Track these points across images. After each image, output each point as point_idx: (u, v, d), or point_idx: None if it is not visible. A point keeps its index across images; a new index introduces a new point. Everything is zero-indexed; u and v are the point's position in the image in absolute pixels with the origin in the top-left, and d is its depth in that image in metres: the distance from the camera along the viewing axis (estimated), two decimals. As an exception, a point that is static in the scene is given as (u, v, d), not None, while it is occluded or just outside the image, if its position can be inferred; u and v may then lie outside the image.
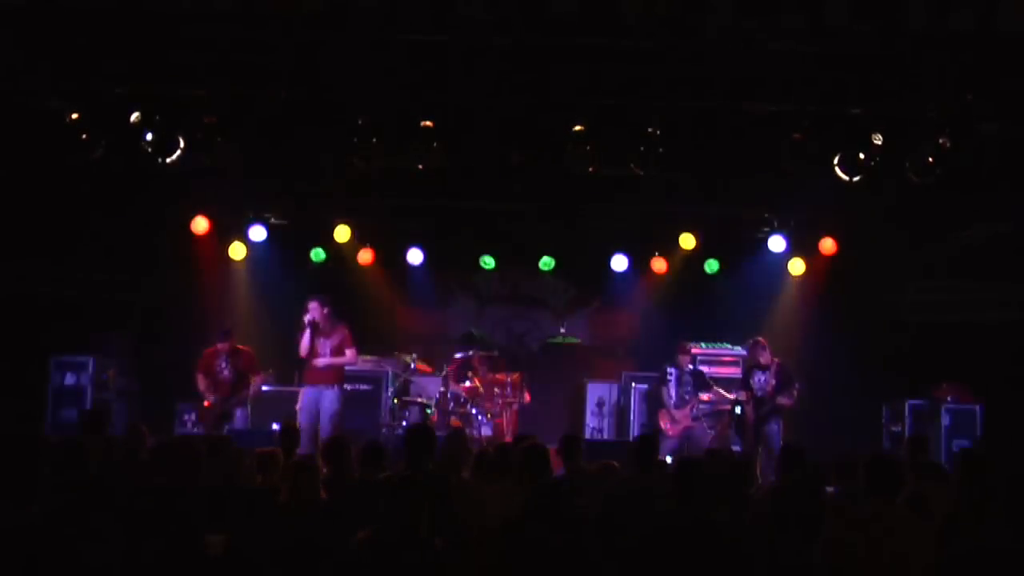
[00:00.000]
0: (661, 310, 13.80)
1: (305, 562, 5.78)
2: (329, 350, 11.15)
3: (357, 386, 12.52)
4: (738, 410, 11.59)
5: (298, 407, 11.08)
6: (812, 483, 6.22)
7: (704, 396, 12.13)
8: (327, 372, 11.20)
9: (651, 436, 8.25)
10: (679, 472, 5.66)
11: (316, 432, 10.83)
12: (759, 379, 11.54)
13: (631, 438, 12.09)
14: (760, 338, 11.88)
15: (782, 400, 11.34)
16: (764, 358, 11.58)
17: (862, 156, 9.75)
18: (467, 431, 11.62)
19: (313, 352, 11.12)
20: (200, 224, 13.07)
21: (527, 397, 12.75)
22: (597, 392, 13.29)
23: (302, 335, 11.15)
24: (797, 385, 11.36)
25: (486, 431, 12.10)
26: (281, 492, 6.27)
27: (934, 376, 12.20)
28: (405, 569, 4.92)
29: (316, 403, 11.04)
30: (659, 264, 13.78)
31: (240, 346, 11.30)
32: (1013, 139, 9.54)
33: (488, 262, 13.91)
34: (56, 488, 5.13)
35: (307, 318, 11.11)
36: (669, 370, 11.94)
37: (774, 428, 11.35)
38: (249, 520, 6.12)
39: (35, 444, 5.01)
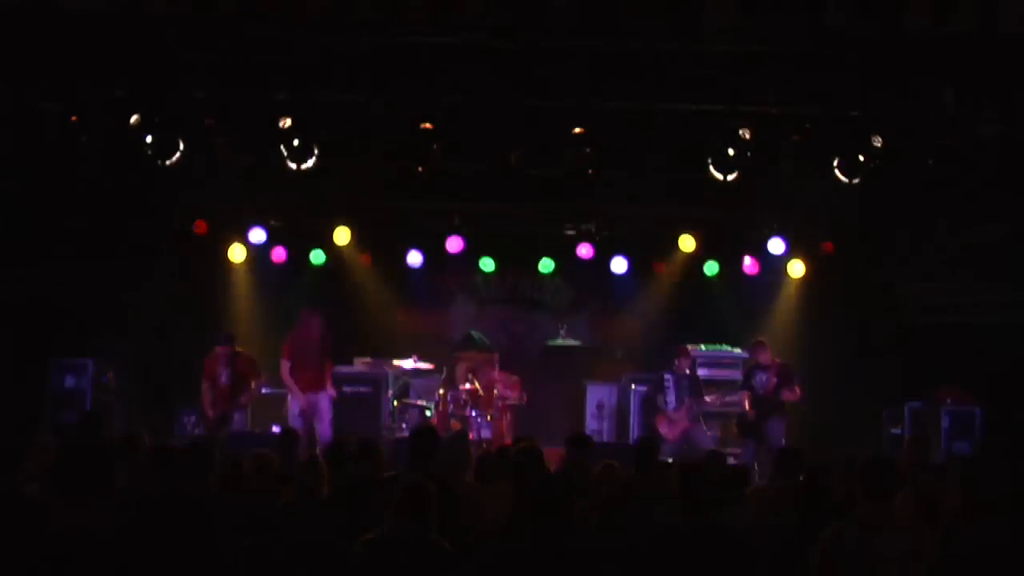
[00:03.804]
0: (661, 312, 13.79)
1: (310, 563, 5.78)
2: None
3: (357, 388, 12.51)
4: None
5: (294, 413, 11.07)
6: (818, 484, 6.21)
7: (702, 398, 12.11)
8: (322, 377, 11.26)
9: (652, 438, 8.27)
10: (683, 475, 5.65)
11: (312, 437, 10.85)
12: (760, 379, 11.56)
13: (631, 440, 12.11)
14: (761, 338, 11.91)
15: (786, 395, 11.35)
16: (765, 358, 11.63)
17: (862, 158, 9.76)
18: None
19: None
20: (200, 226, 13.08)
21: (526, 399, 12.74)
22: (597, 394, 13.29)
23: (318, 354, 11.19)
24: (797, 386, 11.39)
25: (486, 433, 12.08)
26: (286, 494, 6.28)
27: (934, 378, 12.19)
28: (411, 571, 4.91)
29: (313, 409, 11.10)
30: (659, 266, 13.81)
31: (240, 350, 11.31)
32: (1013, 141, 9.55)
33: (488, 264, 13.90)
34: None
35: (321, 334, 11.19)
36: (666, 376, 11.92)
37: (776, 427, 11.36)
38: (254, 522, 6.12)
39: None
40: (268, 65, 9.15)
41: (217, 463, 6.61)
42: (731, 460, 11.26)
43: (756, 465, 10.95)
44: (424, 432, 6.89)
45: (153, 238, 12.64)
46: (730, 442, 12.32)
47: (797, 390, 11.42)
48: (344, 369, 12.47)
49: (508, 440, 11.23)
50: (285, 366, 11.32)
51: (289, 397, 11.35)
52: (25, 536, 4.70)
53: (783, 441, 11.18)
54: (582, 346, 13.92)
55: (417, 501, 4.98)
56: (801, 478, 6.59)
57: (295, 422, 11.03)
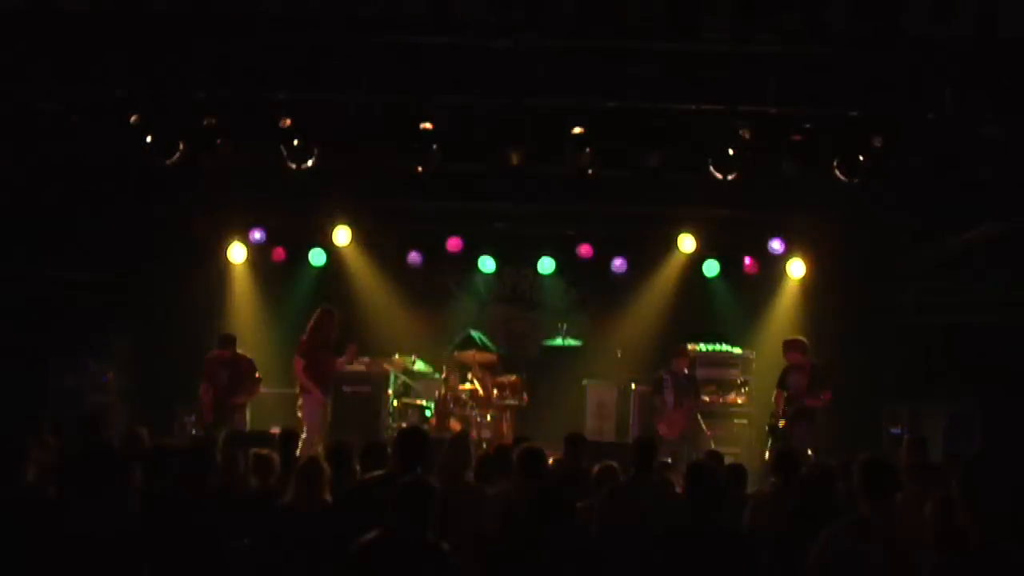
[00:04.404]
0: (660, 312, 13.79)
1: (310, 564, 5.79)
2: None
3: (357, 388, 12.51)
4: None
5: (314, 411, 11.03)
6: (818, 485, 6.21)
7: (701, 398, 12.10)
8: (332, 377, 11.28)
9: (650, 438, 8.26)
10: (690, 475, 5.66)
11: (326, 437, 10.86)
12: (793, 379, 11.44)
13: (631, 440, 12.10)
14: (798, 337, 11.72)
15: (809, 401, 11.25)
16: (796, 359, 11.45)
17: (862, 158, 9.76)
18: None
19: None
20: (200, 226, 13.08)
21: (526, 399, 12.74)
22: (597, 394, 13.28)
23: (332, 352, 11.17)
24: (828, 390, 11.25)
25: (485, 433, 12.08)
26: (286, 494, 6.29)
27: (934, 378, 12.19)
28: (409, 571, 4.92)
29: (328, 409, 11.12)
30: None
31: (240, 353, 11.31)
32: (1013, 141, 9.55)
33: (488, 264, 13.90)
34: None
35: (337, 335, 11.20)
36: (665, 376, 11.90)
37: (801, 430, 11.21)
38: (254, 522, 6.14)
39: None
40: (268, 65, 9.15)
41: (216, 463, 6.62)
42: (730, 460, 11.31)
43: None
44: (411, 433, 6.81)
45: (154, 238, 12.65)
46: (729, 442, 12.32)
47: (825, 395, 11.21)
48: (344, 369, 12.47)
49: (508, 440, 11.23)
50: (300, 363, 11.16)
51: (305, 396, 11.20)
52: (28, 535, 4.71)
53: (807, 447, 11.04)
54: (582, 346, 13.92)
55: (416, 501, 4.99)
56: (801, 479, 6.60)
57: (314, 420, 10.94)
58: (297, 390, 11.22)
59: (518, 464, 6.64)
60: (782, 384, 11.54)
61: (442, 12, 8.18)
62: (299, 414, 11.05)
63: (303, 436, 10.56)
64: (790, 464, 7.04)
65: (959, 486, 6.00)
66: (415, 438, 6.61)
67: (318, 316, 11.38)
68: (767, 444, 11.55)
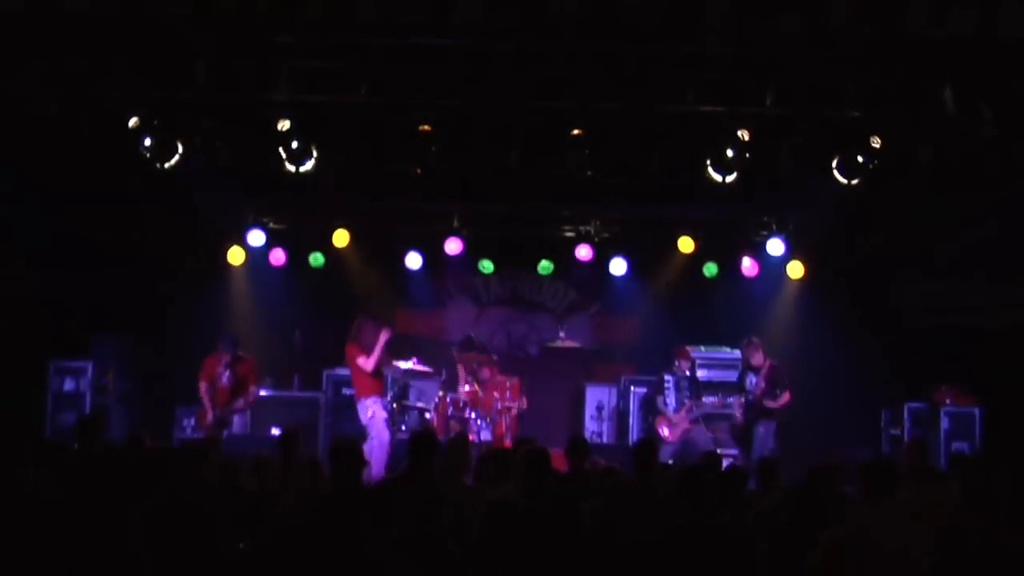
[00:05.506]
0: (660, 313, 13.79)
1: (309, 564, 5.78)
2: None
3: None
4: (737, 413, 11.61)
5: (383, 420, 11.01)
6: (818, 486, 6.21)
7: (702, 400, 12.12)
8: None
9: (651, 439, 8.28)
10: (684, 477, 5.67)
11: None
12: (751, 381, 11.54)
13: (630, 442, 12.11)
14: (754, 338, 11.86)
15: (767, 403, 11.34)
16: (756, 360, 11.59)
17: (861, 159, 9.77)
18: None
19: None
20: (200, 227, 13.07)
21: (526, 401, 12.71)
22: (596, 396, 13.28)
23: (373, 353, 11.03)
24: (787, 391, 11.35)
25: (485, 435, 12.06)
26: (286, 495, 6.29)
27: (933, 379, 12.20)
28: (415, 571, 4.92)
29: None
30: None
31: (242, 354, 11.29)
32: (1012, 142, 9.55)
33: (487, 265, 13.90)
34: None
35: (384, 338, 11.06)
36: (667, 377, 11.92)
37: (761, 431, 11.33)
38: (253, 523, 6.12)
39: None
40: (268, 66, 9.15)
41: (215, 465, 6.62)
42: (731, 461, 11.32)
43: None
44: (423, 435, 6.90)
45: (152, 240, 12.63)
46: (729, 444, 12.33)
47: (785, 396, 11.37)
48: (343, 371, 12.45)
49: (508, 442, 11.23)
50: (367, 360, 11.00)
51: (374, 401, 11.08)
52: (29, 537, 4.70)
53: (769, 447, 11.14)
54: (582, 348, 13.91)
55: (426, 504, 5.00)
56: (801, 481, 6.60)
57: (383, 432, 10.89)
58: (359, 394, 11.07)
59: (522, 466, 6.64)
60: (740, 388, 11.73)
61: (442, 13, 8.18)
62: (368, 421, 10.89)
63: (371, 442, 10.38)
64: (768, 475, 7.13)
65: (959, 486, 6.01)
66: (426, 441, 6.65)
67: (368, 325, 11.19)
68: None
